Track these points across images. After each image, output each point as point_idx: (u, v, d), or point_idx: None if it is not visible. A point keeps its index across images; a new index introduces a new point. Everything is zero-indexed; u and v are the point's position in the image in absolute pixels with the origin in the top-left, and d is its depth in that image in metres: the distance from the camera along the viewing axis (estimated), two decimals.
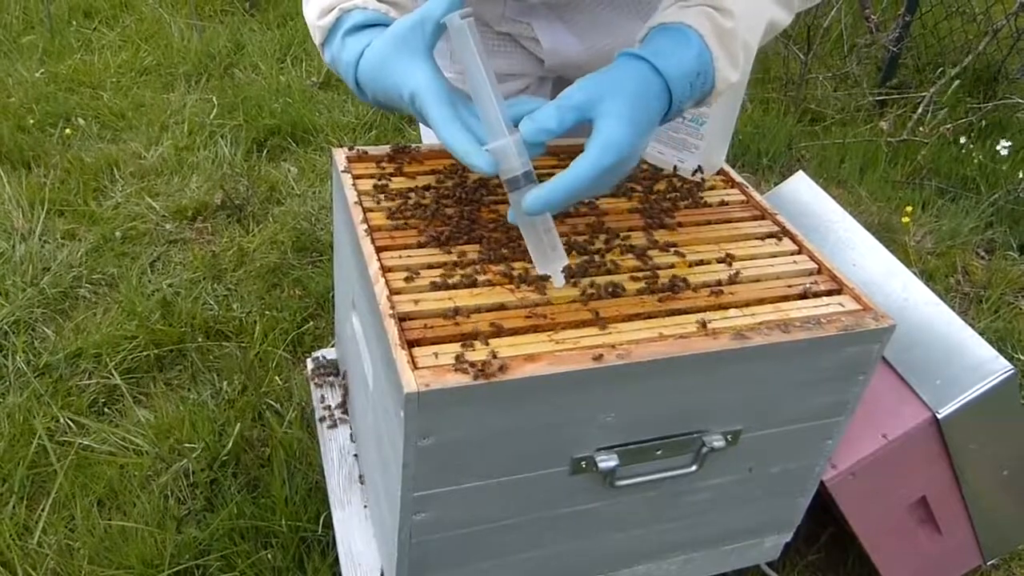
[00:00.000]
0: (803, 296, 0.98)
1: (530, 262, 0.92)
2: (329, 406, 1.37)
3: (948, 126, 2.99)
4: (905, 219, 2.55)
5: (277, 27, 3.62)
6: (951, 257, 2.48)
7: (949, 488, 1.34)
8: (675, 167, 1.17)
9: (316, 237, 2.36)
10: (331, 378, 1.42)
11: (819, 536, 1.55)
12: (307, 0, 0.95)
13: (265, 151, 2.78)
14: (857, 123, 3.19)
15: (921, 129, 3.06)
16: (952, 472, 1.32)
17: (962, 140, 2.97)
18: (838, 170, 2.89)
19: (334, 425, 1.34)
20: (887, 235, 2.50)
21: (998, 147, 2.84)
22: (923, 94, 3.20)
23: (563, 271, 0.90)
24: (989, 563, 1.52)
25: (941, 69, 3.34)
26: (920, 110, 3.13)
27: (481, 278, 0.93)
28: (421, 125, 1.37)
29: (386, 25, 0.88)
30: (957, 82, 3.16)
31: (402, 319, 0.86)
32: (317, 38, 0.94)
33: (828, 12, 3.42)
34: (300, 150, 2.80)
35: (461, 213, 1.03)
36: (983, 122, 3.10)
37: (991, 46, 3.30)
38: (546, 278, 0.92)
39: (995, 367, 1.23)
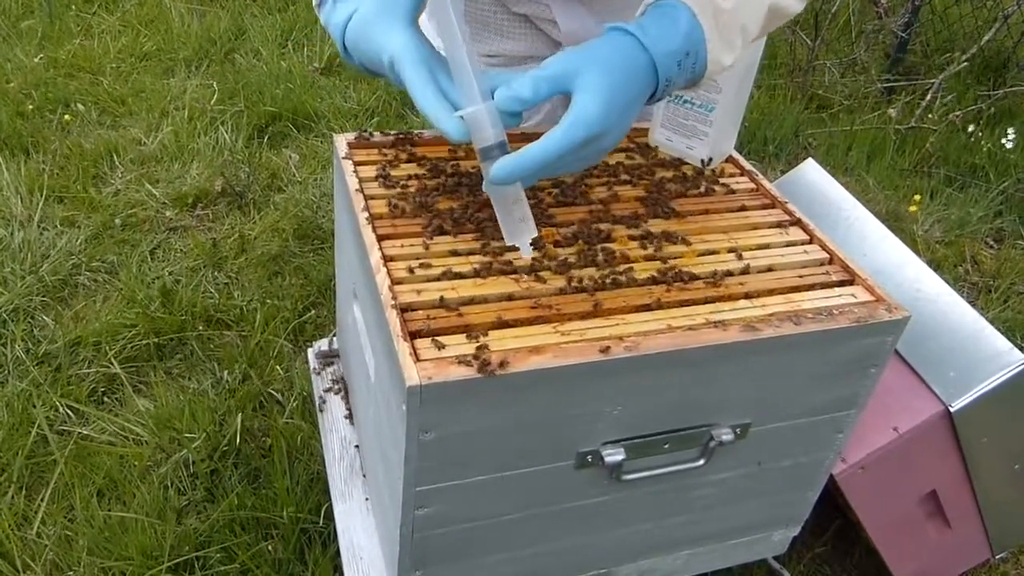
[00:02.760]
0: (814, 287, 0.95)
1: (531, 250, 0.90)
2: (330, 386, 1.35)
3: (957, 114, 2.96)
4: (913, 207, 2.52)
5: (278, 12, 3.59)
6: (960, 246, 2.46)
7: (960, 482, 1.32)
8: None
9: (318, 225, 2.34)
10: (333, 368, 1.40)
11: (826, 528, 1.54)
12: None
13: (266, 137, 2.75)
14: (865, 110, 3.16)
15: (930, 116, 3.02)
16: (963, 466, 1.30)
17: (970, 128, 2.93)
18: (845, 158, 2.86)
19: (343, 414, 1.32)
20: (895, 224, 2.47)
21: (1004, 140, 2.80)
22: (932, 81, 3.16)
23: (531, 243, 0.86)
24: (998, 556, 1.51)
25: (950, 56, 3.30)
26: (929, 97, 3.09)
27: (485, 268, 0.90)
28: None
29: None
30: (965, 64, 3.12)
31: (404, 310, 0.84)
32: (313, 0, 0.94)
33: None
34: (301, 136, 2.77)
35: (465, 201, 1.00)
36: (992, 109, 3.07)
37: (1001, 32, 3.26)
38: (515, 249, 0.88)
39: (1010, 359, 1.20)
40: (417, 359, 0.78)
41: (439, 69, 0.81)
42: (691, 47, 0.80)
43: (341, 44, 0.89)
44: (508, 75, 0.80)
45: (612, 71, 0.77)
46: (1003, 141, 2.81)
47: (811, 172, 1.52)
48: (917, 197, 2.56)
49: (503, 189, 0.82)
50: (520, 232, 0.85)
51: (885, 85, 3.31)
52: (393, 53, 0.80)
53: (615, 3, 1.13)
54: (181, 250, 2.23)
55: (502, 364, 0.78)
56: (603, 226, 0.99)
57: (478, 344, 0.81)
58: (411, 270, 0.89)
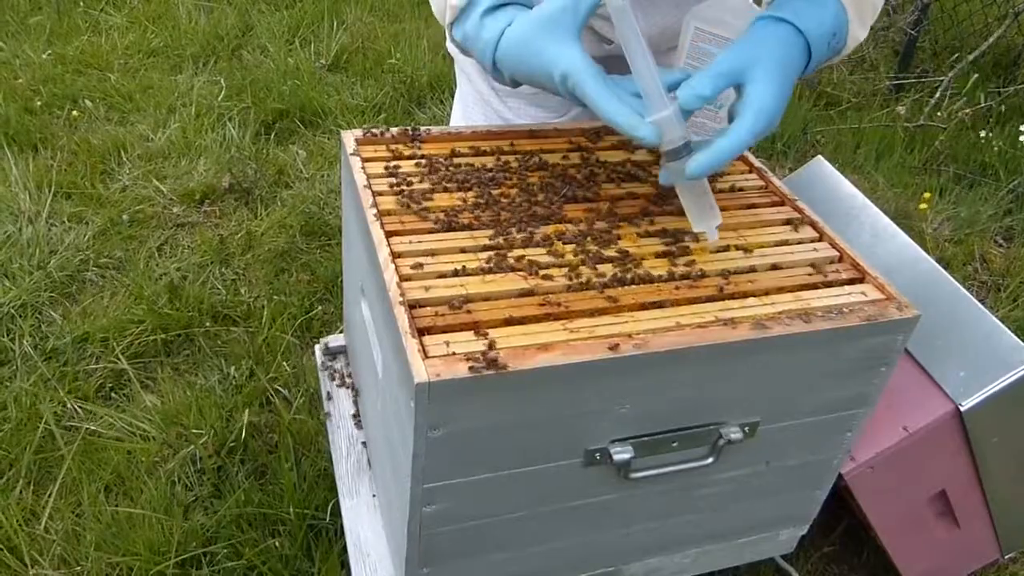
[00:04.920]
0: (824, 285, 0.95)
1: (539, 248, 0.92)
2: (339, 383, 1.35)
3: (967, 111, 2.94)
4: (923, 206, 2.51)
5: (286, 8, 3.59)
6: (969, 245, 2.44)
7: (969, 481, 1.32)
8: None
9: (325, 221, 2.34)
10: (340, 364, 1.40)
11: (834, 528, 1.53)
12: None
13: (273, 134, 2.75)
14: (873, 108, 3.14)
15: (939, 114, 3.00)
16: (973, 465, 1.29)
17: (981, 130, 2.91)
18: (854, 155, 2.85)
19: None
20: (904, 222, 2.45)
21: (1022, 137, 2.78)
22: (941, 79, 3.14)
23: (717, 228, 0.92)
24: (1007, 556, 1.50)
25: (959, 53, 3.28)
26: (938, 95, 3.07)
27: (494, 264, 0.90)
28: (453, 110, 1.35)
29: (522, 3, 0.89)
30: (975, 62, 3.11)
31: (412, 306, 0.83)
32: (447, 17, 0.94)
33: None
34: (308, 133, 2.77)
35: (473, 198, 1.00)
36: (1002, 107, 3.05)
37: (1011, 29, 3.24)
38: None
39: (1021, 358, 1.19)
40: (426, 356, 0.78)
41: (612, 80, 0.86)
42: (837, 28, 0.88)
43: (491, 59, 0.90)
44: (673, 74, 0.85)
45: (778, 60, 0.84)
46: (1021, 137, 2.78)
47: (820, 170, 1.52)
48: (927, 195, 2.55)
49: (693, 182, 0.88)
50: (708, 219, 0.91)
51: (894, 83, 3.29)
52: (567, 69, 0.83)
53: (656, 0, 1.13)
54: (188, 246, 2.23)
55: (510, 361, 0.78)
56: (613, 223, 0.99)
57: (487, 341, 0.80)
58: (419, 266, 0.89)
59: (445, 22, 0.95)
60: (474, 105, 1.28)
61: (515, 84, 0.92)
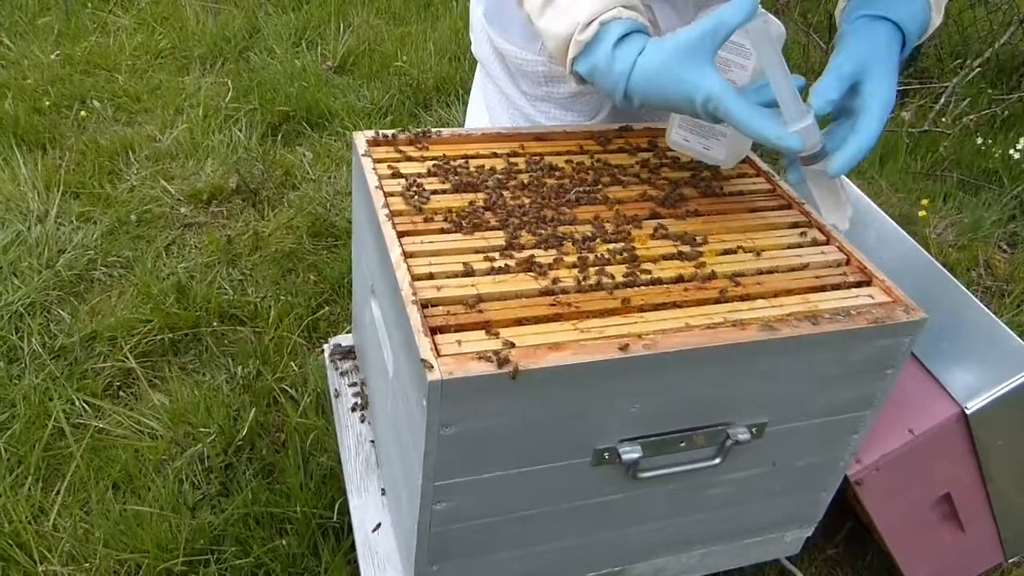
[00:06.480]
0: (832, 288, 0.96)
1: (549, 249, 0.94)
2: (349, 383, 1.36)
3: (971, 117, 2.94)
4: (922, 213, 2.51)
5: (292, 10, 3.60)
6: (973, 250, 2.45)
7: (974, 485, 1.32)
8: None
9: (331, 222, 2.34)
10: (348, 363, 1.41)
11: (838, 530, 1.53)
12: (555, 13, 0.94)
13: (280, 135, 2.76)
14: None
15: (943, 120, 3.01)
16: (978, 468, 1.30)
17: (984, 136, 2.92)
18: None
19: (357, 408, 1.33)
20: (907, 227, 2.44)
21: (1012, 151, 2.78)
22: (945, 84, 3.15)
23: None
24: (1011, 560, 1.50)
25: (963, 59, 3.28)
26: (942, 101, 3.08)
27: (505, 264, 0.91)
28: (472, 112, 1.35)
29: (644, 31, 0.92)
30: (979, 68, 3.11)
31: (424, 305, 0.84)
32: (571, 52, 0.94)
33: None
34: (315, 134, 2.78)
35: (483, 199, 1.01)
36: (1007, 113, 3.05)
37: (1016, 36, 3.25)
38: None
39: None
40: (438, 355, 0.79)
41: (746, 96, 0.90)
42: (923, 19, 0.97)
43: (623, 88, 0.92)
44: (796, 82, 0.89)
45: (888, 57, 0.92)
46: (1011, 152, 2.79)
47: None
48: (924, 201, 2.55)
49: (829, 180, 0.95)
50: (843, 210, 0.98)
51: (898, 89, 3.29)
52: (710, 92, 0.87)
53: (699, 4, 1.14)
54: (196, 246, 2.24)
55: (522, 360, 0.78)
56: (622, 226, 1.00)
57: (498, 340, 0.81)
58: (431, 266, 0.90)
59: (568, 58, 0.95)
60: (500, 108, 1.29)
61: (641, 108, 0.95)
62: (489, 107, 1.31)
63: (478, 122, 1.35)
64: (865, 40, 0.93)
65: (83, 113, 2.78)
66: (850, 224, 0.99)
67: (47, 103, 2.81)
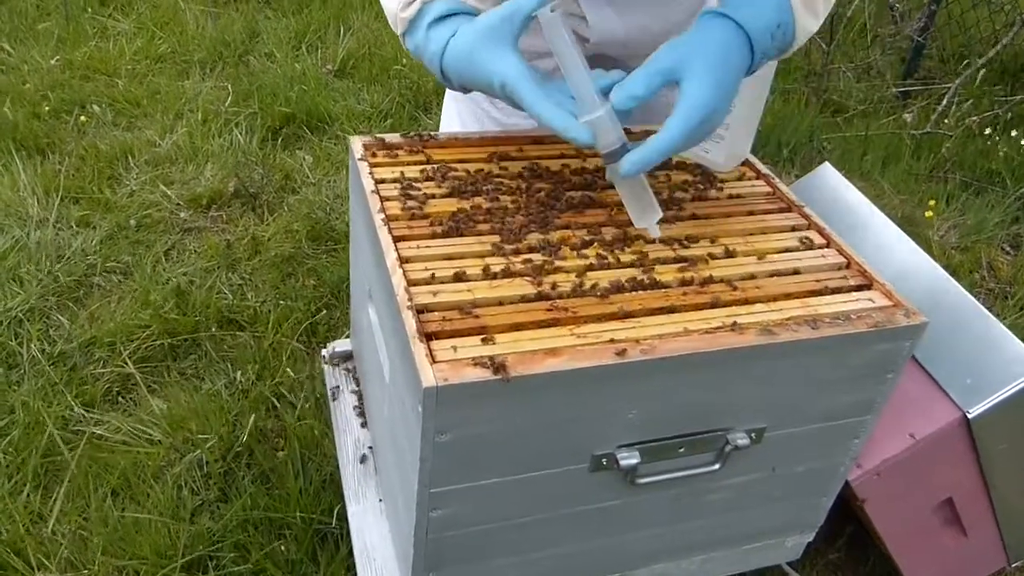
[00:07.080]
0: (832, 291, 0.95)
1: (545, 253, 0.92)
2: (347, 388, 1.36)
3: (974, 119, 2.93)
4: (928, 213, 2.50)
5: (292, 14, 3.60)
6: (976, 252, 2.44)
7: (976, 489, 1.31)
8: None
9: (331, 226, 2.34)
10: (346, 369, 1.40)
11: (840, 535, 1.52)
12: None
13: (280, 139, 2.76)
14: (880, 115, 3.14)
15: (946, 121, 3.00)
16: (980, 473, 1.29)
17: (987, 131, 2.91)
18: (860, 162, 2.84)
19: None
20: (910, 229, 2.45)
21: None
22: (948, 86, 3.14)
23: (657, 223, 0.92)
24: (1014, 565, 1.49)
25: (967, 61, 3.27)
26: (945, 102, 3.07)
27: (501, 269, 0.90)
28: (443, 115, 1.36)
29: (466, 13, 0.91)
30: (983, 69, 3.10)
31: (420, 311, 0.84)
32: (399, 28, 0.96)
33: (852, 2, 3.36)
34: (315, 138, 2.78)
35: (480, 203, 1.00)
36: (1009, 114, 3.04)
37: (1019, 37, 3.24)
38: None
39: None
40: (433, 361, 0.78)
41: (549, 85, 0.87)
42: (781, 18, 0.87)
43: (439, 69, 0.93)
44: (607, 76, 0.86)
45: (715, 56, 0.83)
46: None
47: (828, 176, 1.52)
48: (932, 203, 2.54)
49: (631, 180, 0.89)
50: (648, 215, 0.91)
51: (901, 90, 3.29)
52: (506, 77, 0.86)
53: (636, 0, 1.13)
54: (195, 251, 2.24)
55: (518, 366, 0.78)
56: (619, 229, 0.99)
57: (494, 346, 0.80)
58: (427, 271, 0.89)
59: (398, 33, 0.97)
60: (463, 103, 1.30)
61: (465, 90, 0.95)
62: (456, 103, 1.32)
63: (448, 125, 1.36)
64: (695, 37, 0.85)
65: (83, 118, 2.78)
66: (659, 229, 0.92)
67: (47, 108, 2.81)
